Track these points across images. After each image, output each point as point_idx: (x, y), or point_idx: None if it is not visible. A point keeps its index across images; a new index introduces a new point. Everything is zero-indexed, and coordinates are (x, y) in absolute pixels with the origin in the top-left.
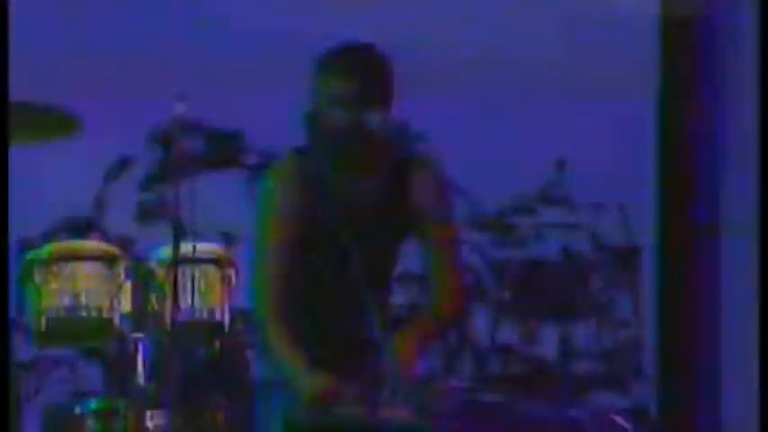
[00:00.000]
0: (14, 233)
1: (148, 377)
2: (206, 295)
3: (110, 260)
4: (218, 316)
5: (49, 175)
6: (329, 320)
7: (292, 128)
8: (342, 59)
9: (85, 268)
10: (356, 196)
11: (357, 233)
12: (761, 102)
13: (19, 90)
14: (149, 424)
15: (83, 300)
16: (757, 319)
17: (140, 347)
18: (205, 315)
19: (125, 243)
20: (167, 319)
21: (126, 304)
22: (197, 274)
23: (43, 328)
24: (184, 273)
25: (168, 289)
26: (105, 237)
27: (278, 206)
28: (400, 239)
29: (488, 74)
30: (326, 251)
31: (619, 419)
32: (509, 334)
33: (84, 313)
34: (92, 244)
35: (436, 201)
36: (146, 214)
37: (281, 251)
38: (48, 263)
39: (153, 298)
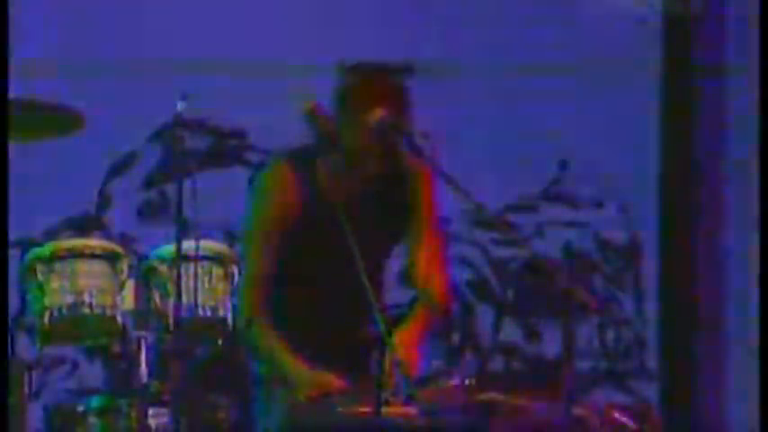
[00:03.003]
0: (16, 231)
1: (151, 375)
2: (209, 293)
3: (112, 258)
4: (220, 313)
5: (51, 173)
6: (331, 319)
7: (294, 127)
8: (366, 88)
9: (88, 266)
10: (350, 196)
11: (353, 232)
12: (761, 100)
13: (20, 87)
14: (152, 422)
15: (85, 298)
16: (758, 316)
17: (143, 345)
18: (208, 313)
19: (128, 241)
20: (170, 317)
21: (128, 302)
22: (200, 272)
23: (46, 326)
24: (187, 270)
25: (171, 287)
26: (108, 234)
27: (270, 207)
28: (393, 239)
29: (490, 72)
30: (325, 250)
31: (621, 417)
32: (512, 332)
33: (86, 311)
34: (94, 242)
35: (428, 204)
36: (148, 212)
37: (271, 251)
38: (50, 261)
39: (155, 296)
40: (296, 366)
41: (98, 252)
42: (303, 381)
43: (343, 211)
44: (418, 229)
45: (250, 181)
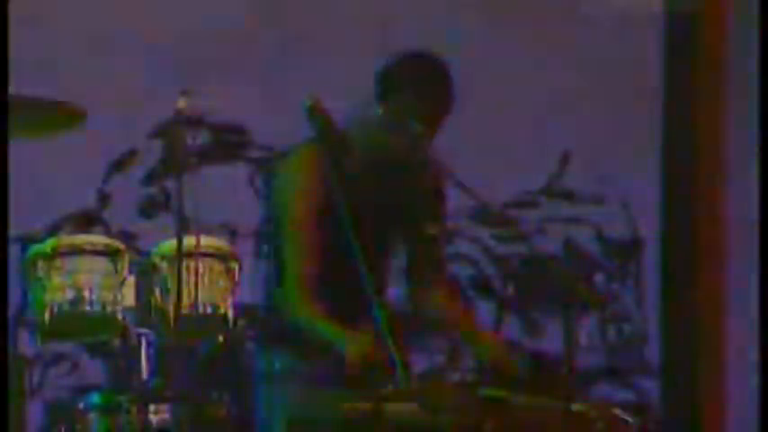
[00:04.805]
0: (17, 228)
1: (152, 372)
2: (209, 289)
3: (113, 254)
4: (221, 310)
5: (52, 170)
6: (333, 315)
7: (295, 122)
8: (427, 77)
9: (89, 263)
10: (352, 191)
11: (353, 227)
12: (762, 99)
13: (20, 84)
14: (152, 418)
15: (86, 294)
16: (758, 315)
17: (144, 342)
18: (209, 309)
19: (128, 237)
20: (171, 314)
21: (129, 299)
22: (201, 269)
23: (47, 323)
24: (188, 267)
25: (172, 283)
26: (108, 231)
27: (301, 192)
28: (395, 237)
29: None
30: (329, 244)
31: (622, 413)
32: (513, 328)
33: (87, 308)
34: (95, 238)
35: (434, 203)
36: (149, 208)
37: (308, 234)
38: (51, 257)
39: (156, 292)
40: (339, 335)
41: (99, 248)
42: (347, 347)
43: (345, 206)
44: (419, 226)
45: (274, 168)
